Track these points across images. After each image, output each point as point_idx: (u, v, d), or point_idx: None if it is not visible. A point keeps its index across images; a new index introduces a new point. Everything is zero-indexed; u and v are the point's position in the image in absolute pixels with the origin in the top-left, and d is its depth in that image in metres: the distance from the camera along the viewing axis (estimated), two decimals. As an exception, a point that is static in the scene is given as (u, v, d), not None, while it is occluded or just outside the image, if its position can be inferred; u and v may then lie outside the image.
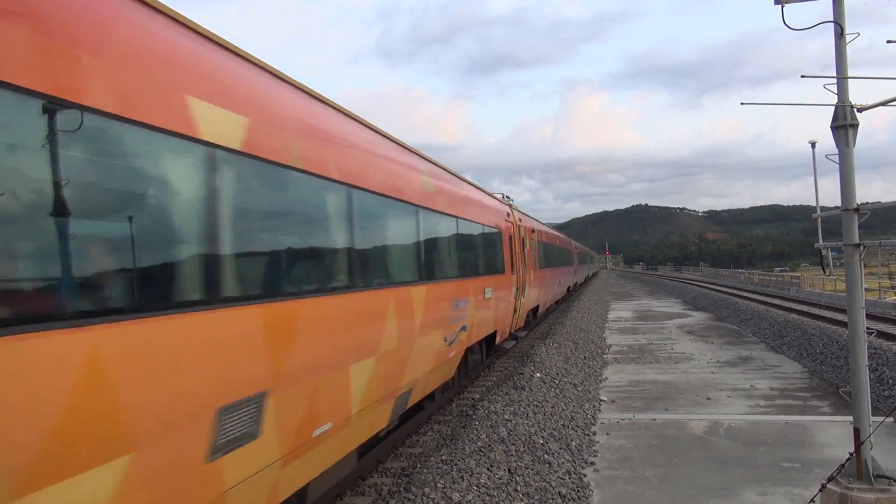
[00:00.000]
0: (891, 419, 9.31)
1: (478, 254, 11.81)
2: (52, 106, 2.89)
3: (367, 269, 6.46)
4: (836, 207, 6.02)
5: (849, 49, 5.74)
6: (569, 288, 35.30)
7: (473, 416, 9.74)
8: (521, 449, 8.10)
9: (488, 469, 7.34)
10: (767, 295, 36.31)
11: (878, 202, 6.08)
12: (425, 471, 7.44)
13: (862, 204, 5.79)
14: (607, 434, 9.36)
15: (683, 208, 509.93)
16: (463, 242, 10.63)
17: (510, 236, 14.84)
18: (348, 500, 7.07)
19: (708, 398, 11.56)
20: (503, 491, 6.77)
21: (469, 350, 11.76)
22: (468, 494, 6.58)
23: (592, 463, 8.03)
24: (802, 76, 5.85)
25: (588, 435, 9.21)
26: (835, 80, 5.76)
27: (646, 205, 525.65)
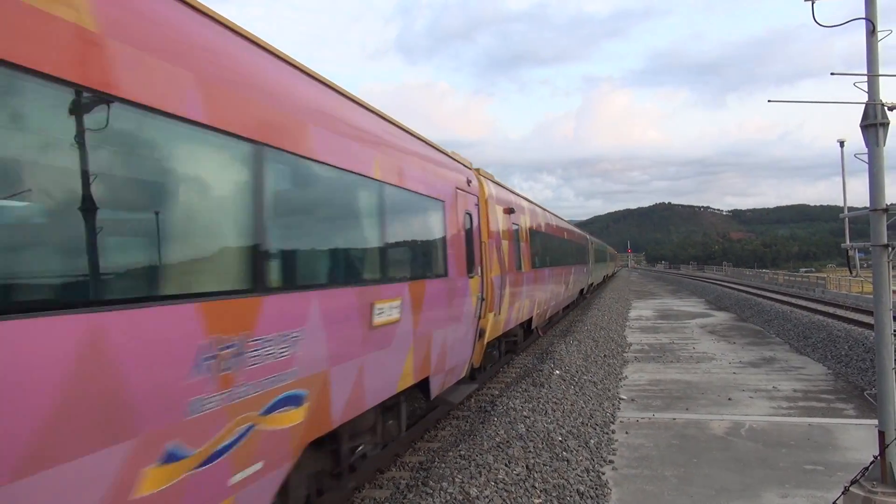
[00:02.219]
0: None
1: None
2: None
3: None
4: (865, 208, 5.92)
5: (879, 46, 5.65)
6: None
7: (492, 412, 9.76)
8: (540, 446, 8.10)
9: (506, 465, 7.35)
10: (792, 296, 35.81)
11: (908, 203, 5.96)
12: (443, 465, 7.48)
13: (891, 204, 5.69)
14: (626, 433, 9.32)
15: (707, 207, 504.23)
16: None
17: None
18: (367, 493, 7.13)
19: (729, 399, 11.45)
20: (521, 487, 6.78)
21: None
22: (486, 490, 6.60)
23: (611, 461, 8.00)
24: (832, 73, 5.76)
25: (607, 433, 9.17)
26: (865, 78, 5.66)
27: (669, 203, 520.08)
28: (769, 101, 6.49)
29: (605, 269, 51.56)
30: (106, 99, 3.25)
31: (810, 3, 5.48)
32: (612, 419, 10.01)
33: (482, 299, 10.65)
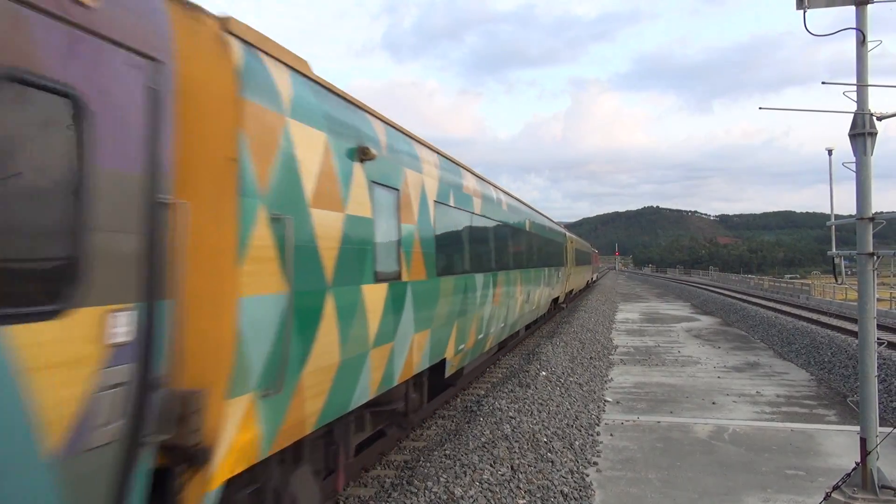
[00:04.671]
0: (898, 430, 9.23)
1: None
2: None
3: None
4: (850, 215, 5.98)
5: (868, 56, 5.70)
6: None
7: (478, 412, 9.77)
8: (525, 446, 8.11)
9: (491, 465, 7.35)
10: (777, 301, 36.11)
11: (894, 212, 6.02)
12: (428, 465, 7.48)
13: (877, 213, 5.75)
14: (611, 435, 9.35)
15: (695, 211, 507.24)
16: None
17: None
18: (351, 492, 7.11)
19: (713, 403, 11.53)
20: (505, 488, 6.79)
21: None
22: (470, 490, 6.60)
23: (595, 463, 8.02)
24: (823, 83, 5.81)
25: (592, 435, 9.20)
26: (854, 88, 5.71)
27: (657, 207, 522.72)
28: (760, 108, 6.54)
29: (588, 272, 48.34)
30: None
31: (803, 11, 5.53)
32: (597, 421, 10.04)
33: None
